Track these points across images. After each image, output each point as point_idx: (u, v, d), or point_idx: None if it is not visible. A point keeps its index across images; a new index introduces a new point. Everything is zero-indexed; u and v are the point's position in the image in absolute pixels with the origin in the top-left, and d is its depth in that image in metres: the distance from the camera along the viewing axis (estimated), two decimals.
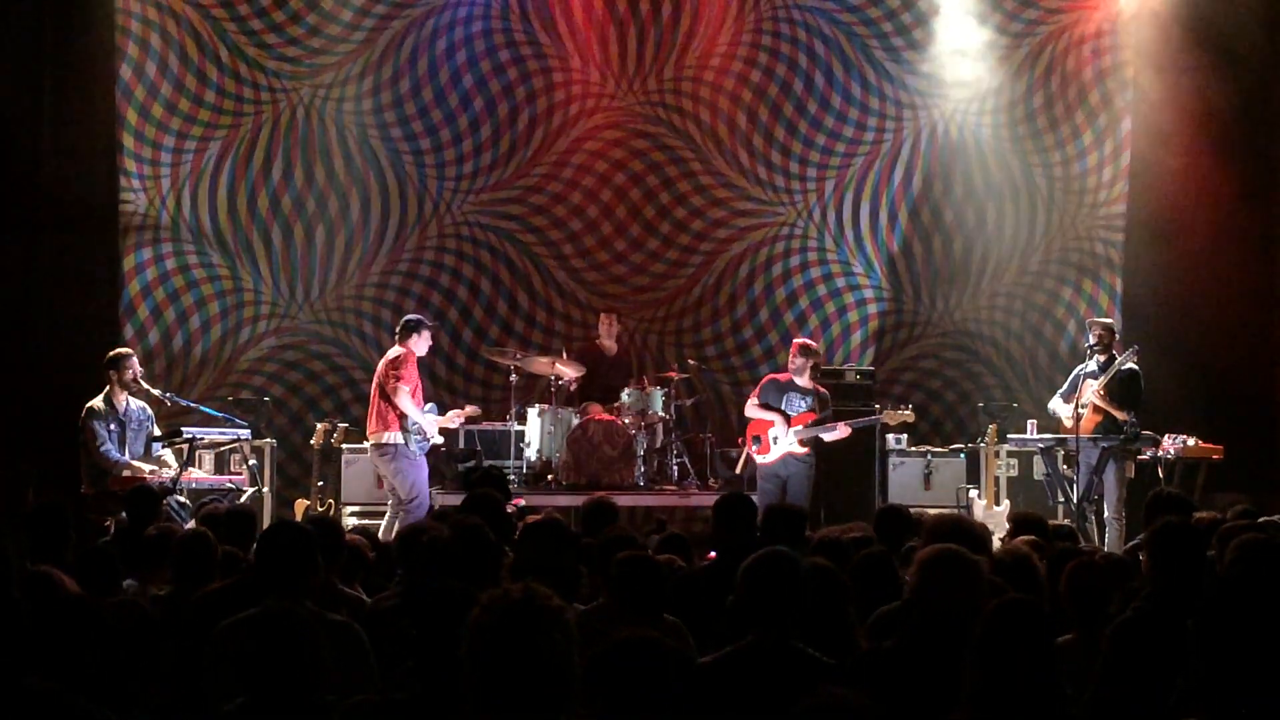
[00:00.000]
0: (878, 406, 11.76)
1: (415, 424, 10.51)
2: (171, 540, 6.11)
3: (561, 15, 13.56)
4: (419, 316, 10.99)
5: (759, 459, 11.27)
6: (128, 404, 10.41)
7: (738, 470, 11.88)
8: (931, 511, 11.52)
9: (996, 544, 7.43)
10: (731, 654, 4.44)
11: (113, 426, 10.26)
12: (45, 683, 3.32)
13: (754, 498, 10.37)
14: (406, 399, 10.48)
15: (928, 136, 13.80)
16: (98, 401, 10.29)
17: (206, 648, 4.64)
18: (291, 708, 3.92)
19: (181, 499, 10.15)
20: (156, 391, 10.78)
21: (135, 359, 10.64)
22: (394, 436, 10.51)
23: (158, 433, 10.55)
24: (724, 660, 4.44)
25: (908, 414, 11.45)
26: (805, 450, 11.11)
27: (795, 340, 11.61)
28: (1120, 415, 10.75)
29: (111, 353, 10.66)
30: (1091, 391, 10.80)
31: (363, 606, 5.49)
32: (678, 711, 3.56)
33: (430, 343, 10.93)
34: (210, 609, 5.08)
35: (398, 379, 10.50)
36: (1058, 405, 11.22)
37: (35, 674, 3.40)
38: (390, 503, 10.73)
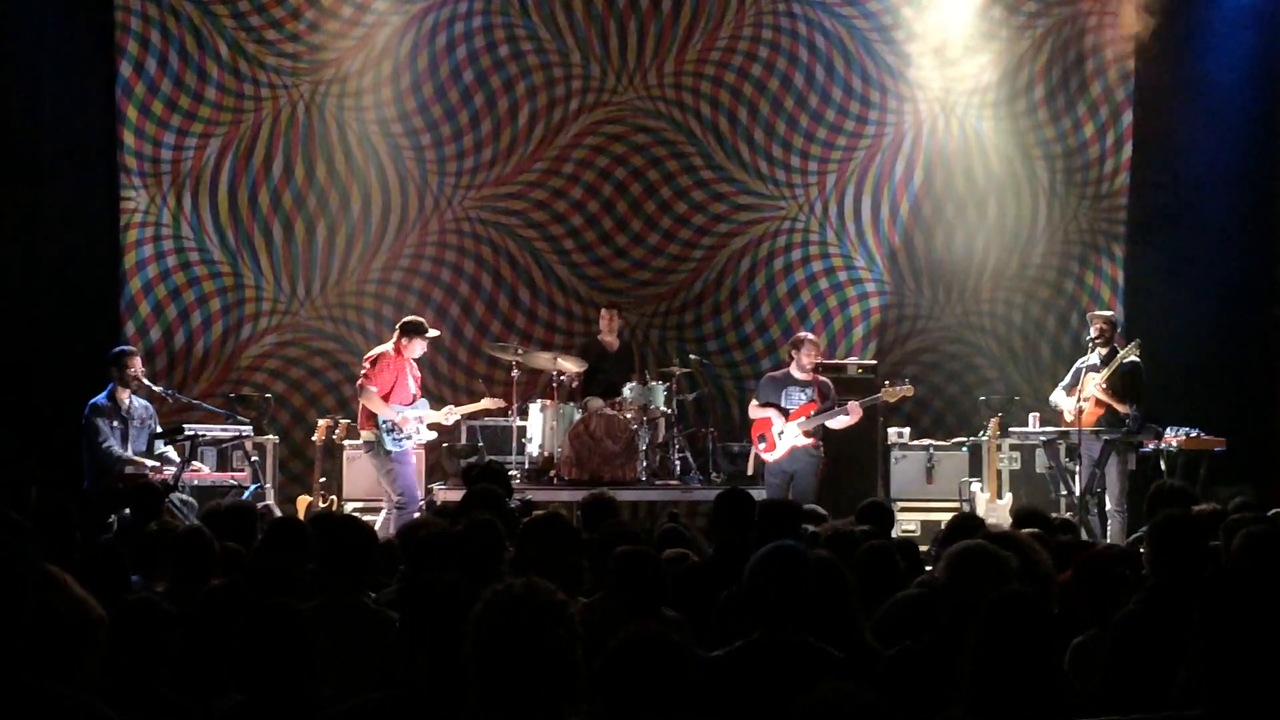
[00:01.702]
0: (886, 382, 11.78)
1: (387, 422, 10.67)
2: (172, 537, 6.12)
3: (561, 10, 13.55)
4: (421, 321, 11.13)
5: (766, 456, 11.31)
6: (131, 401, 10.45)
7: (749, 472, 11.90)
8: (936, 505, 11.70)
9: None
10: (741, 648, 4.45)
11: (115, 424, 10.29)
12: (48, 682, 3.31)
13: (760, 493, 10.50)
14: (372, 399, 10.76)
15: (929, 130, 13.78)
16: (101, 399, 10.32)
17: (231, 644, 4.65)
18: (286, 704, 3.92)
19: (184, 496, 10.17)
20: (158, 388, 10.81)
21: (138, 356, 10.68)
22: (369, 434, 10.77)
23: (159, 429, 10.57)
24: (734, 654, 4.45)
25: (907, 389, 11.50)
26: (812, 442, 11.16)
27: (796, 335, 11.67)
28: (1122, 408, 10.76)
29: (114, 350, 10.69)
30: (1093, 385, 10.80)
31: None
32: (686, 705, 3.56)
33: (426, 347, 11.10)
34: (212, 606, 5.08)
35: (365, 378, 10.83)
36: (1059, 398, 11.23)
37: (38, 674, 3.40)
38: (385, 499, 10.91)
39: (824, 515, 7.92)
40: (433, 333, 11.26)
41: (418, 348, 11.04)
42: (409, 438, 10.89)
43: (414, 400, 11.02)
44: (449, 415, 11.37)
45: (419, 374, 11.24)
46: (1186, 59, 12.85)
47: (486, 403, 11.72)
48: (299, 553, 5.35)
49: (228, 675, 4.04)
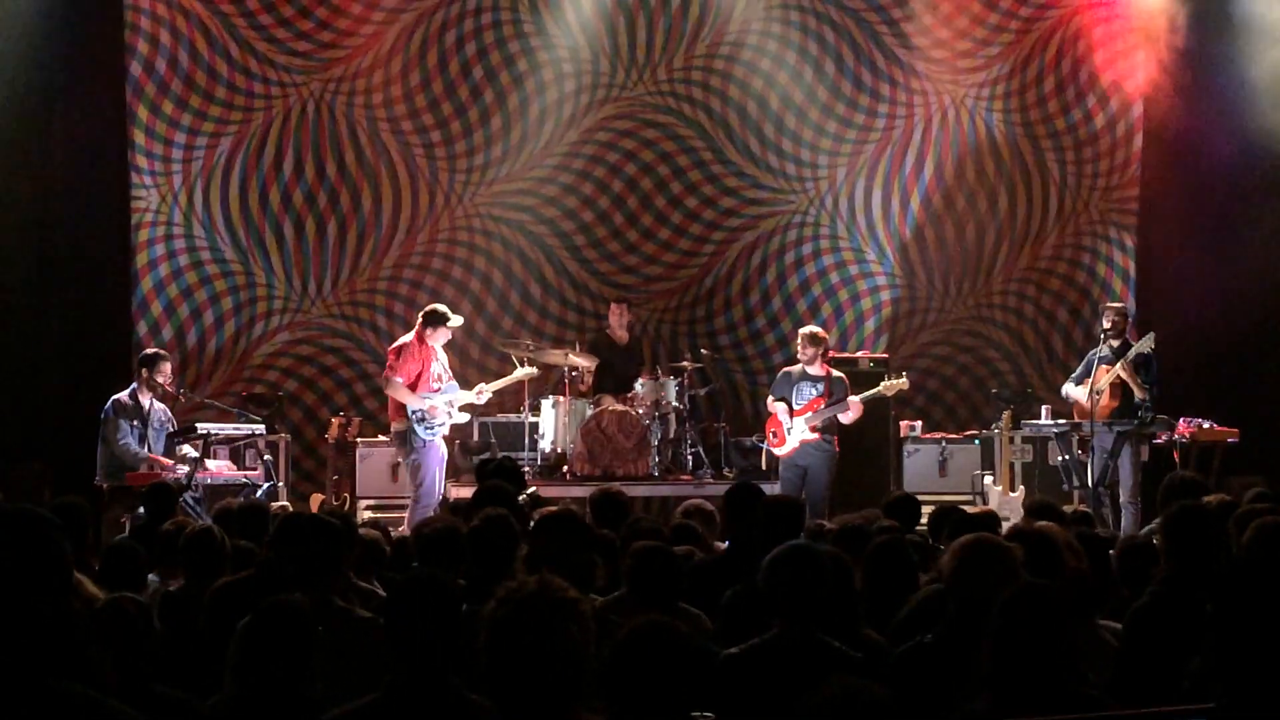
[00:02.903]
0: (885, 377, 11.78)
1: (417, 411, 10.61)
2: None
3: (570, 5, 13.54)
4: (442, 310, 10.99)
5: (777, 452, 11.28)
6: (152, 403, 10.45)
7: (763, 466, 11.90)
8: (949, 499, 11.66)
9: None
10: (758, 645, 4.45)
11: (135, 423, 10.30)
12: (69, 682, 3.33)
13: (773, 488, 10.50)
14: (398, 389, 10.68)
15: (939, 123, 13.77)
16: (124, 396, 10.33)
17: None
18: (279, 701, 3.92)
19: (197, 495, 10.19)
20: (171, 388, 10.82)
21: (169, 363, 10.65)
22: (400, 425, 10.68)
23: (172, 429, 10.59)
24: (750, 651, 4.45)
25: (902, 382, 11.45)
26: (819, 437, 11.11)
27: (801, 330, 11.59)
28: (1140, 393, 10.72)
29: (148, 351, 10.70)
30: (1119, 366, 10.76)
31: (376, 601, 5.49)
32: (694, 699, 3.57)
33: (449, 335, 10.99)
34: (222, 603, 5.09)
35: (389, 369, 10.76)
36: (1070, 388, 11.20)
37: (57, 674, 3.41)
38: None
39: None
40: (456, 320, 11.00)
41: (441, 336, 10.92)
42: (441, 424, 10.76)
43: (441, 386, 10.87)
44: (480, 394, 11.17)
45: (445, 359, 11.04)
46: (1198, 50, 12.79)
47: (520, 374, 11.51)
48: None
49: (230, 670, 4.04)
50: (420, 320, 10.94)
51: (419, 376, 10.74)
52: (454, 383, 11.03)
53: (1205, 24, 12.77)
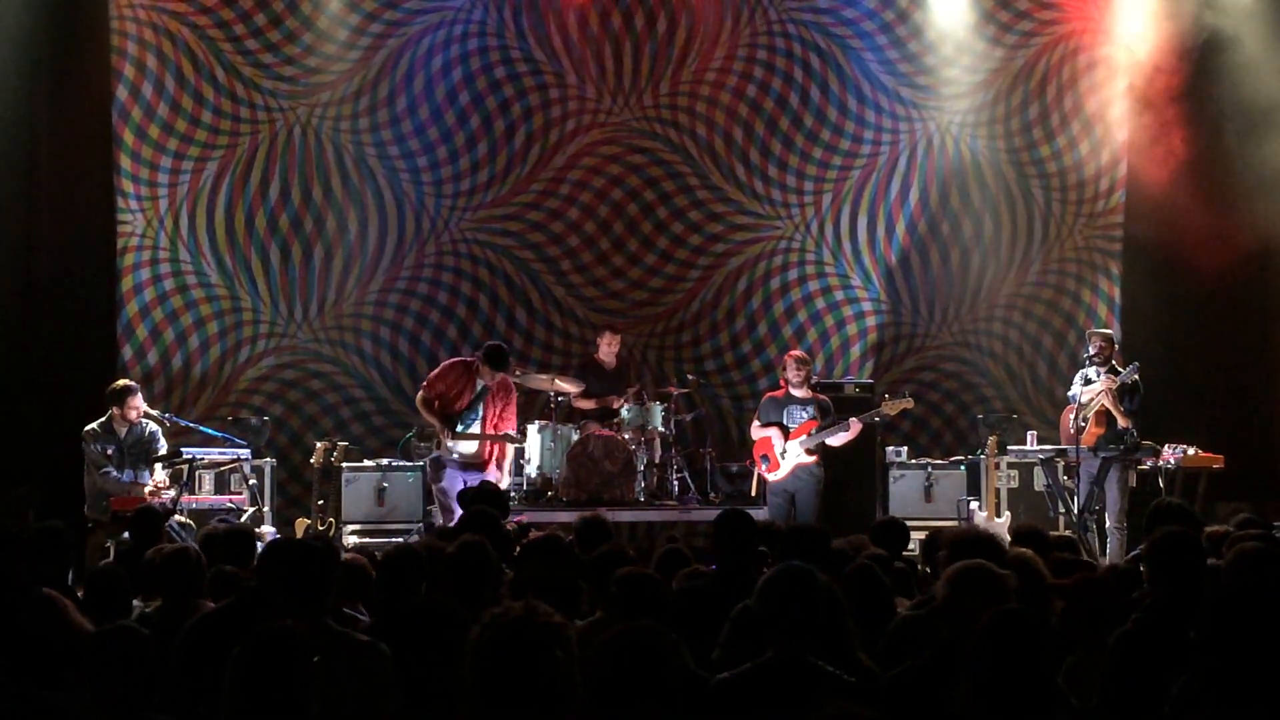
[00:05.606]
0: (885, 395, 11.78)
1: (434, 438, 10.74)
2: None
3: (557, 31, 13.58)
4: (500, 353, 10.99)
5: (770, 477, 11.27)
6: (129, 429, 10.40)
7: (752, 493, 11.89)
8: (935, 524, 11.67)
9: None
10: (752, 669, 4.44)
11: (110, 450, 10.26)
12: (47, 691, 3.32)
13: (762, 513, 10.50)
14: (421, 404, 10.99)
15: (924, 149, 13.81)
16: (94, 426, 10.30)
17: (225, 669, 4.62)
18: None
19: (183, 519, 10.15)
20: (155, 412, 10.78)
21: (139, 396, 10.50)
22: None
23: (162, 451, 10.52)
24: (744, 675, 4.44)
25: (906, 401, 11.48)
26: (814, 460, 11.14)
27: (787, 354, 11.61)
28: (1124, 421, 10.75)
29: (116, 385, 10.57)
30: (1102, 395, 10.77)
31: (361, 626, 5.46)
32: (676, 706, 3.56)
33: (492, 379, 10.94)
34: (205, 631, 5.06)
35: (425, 384, 11.02)
36: (1078, 389, 11.12)
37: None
38: None
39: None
40: (507, 369, 11.06)
41: (487, 376, 10.92)
42: (453, 456, 10.85)
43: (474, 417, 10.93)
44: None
45: (486, 398, 10.96)
46: (1182, 76, 12.85)
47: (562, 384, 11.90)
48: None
49: (221, 696, 4.02)
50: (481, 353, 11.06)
51: (454, 398, 10.88)
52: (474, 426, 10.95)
53: (1189, 52, 12.82)
